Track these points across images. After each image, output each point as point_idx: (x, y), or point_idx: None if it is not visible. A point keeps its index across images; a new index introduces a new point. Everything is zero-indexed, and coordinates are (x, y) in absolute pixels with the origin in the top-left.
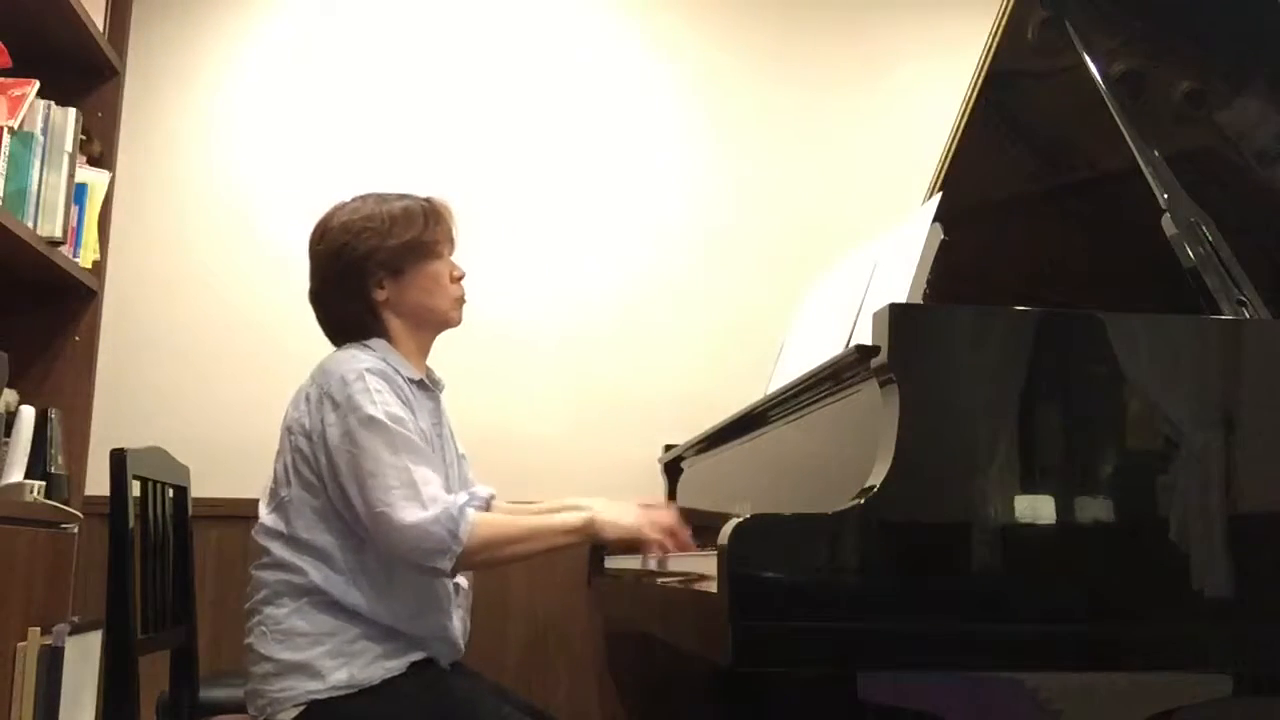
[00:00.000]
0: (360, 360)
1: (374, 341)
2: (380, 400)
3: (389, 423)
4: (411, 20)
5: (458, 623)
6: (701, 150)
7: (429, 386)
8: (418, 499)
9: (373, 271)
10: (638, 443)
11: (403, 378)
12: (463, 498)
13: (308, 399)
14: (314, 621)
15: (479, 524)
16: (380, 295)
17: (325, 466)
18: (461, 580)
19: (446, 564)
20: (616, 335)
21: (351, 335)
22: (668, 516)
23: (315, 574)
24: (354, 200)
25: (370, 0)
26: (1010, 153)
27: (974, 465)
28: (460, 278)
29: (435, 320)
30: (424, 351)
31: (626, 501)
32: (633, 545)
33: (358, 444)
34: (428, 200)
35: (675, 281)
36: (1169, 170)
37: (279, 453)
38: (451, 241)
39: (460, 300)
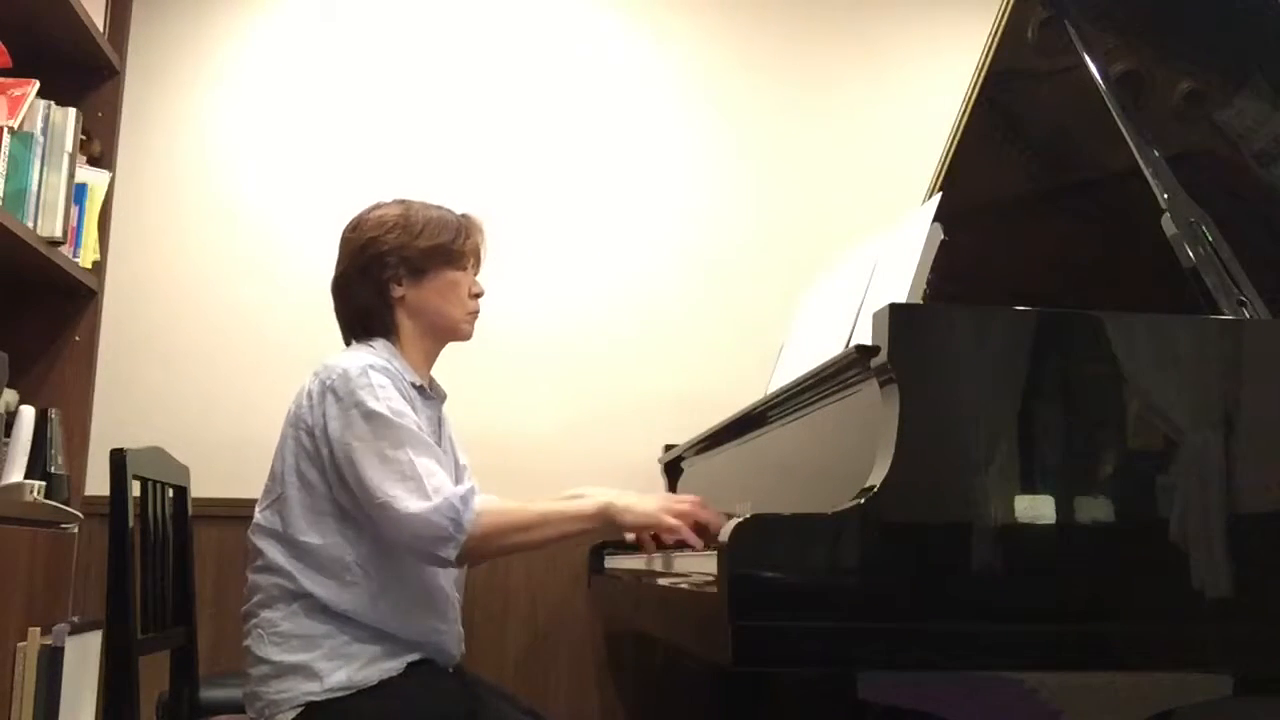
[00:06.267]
0: (364, 358)
1: (377, 343)
2: (383, 395)
3: (391, 416)
4: (411, 21)
5: (450, 629)
6: (700, 151)
7: (430, 394)
8: (421, 490)
9: (394, 267)
10: (638, 443)
11: (404, 380)
12: (466, 486)
13: (310, 394)
14: (308, 625)
15: (484, 513)
16: (397, 292)
17: (328, 459)
18: (454, 592)
19: (451, 552)
20: (616, 335)
21: (363, 330)
22: (688, 504)
23: (305, 579)
24: (393, 201)
25: (370, 1)
26: (1010, 153)
27: (974, 465)
28: (478, 295)
29: (446, 327)
30: (429, 360)
31: (643, 493)
32: (651, 530)
33: (360, 437)
34: (464, 215)
35: (675, 282)
36: (1169, 170)
37: (278, 450)
38: (478, 260)
39: (473, 315)
